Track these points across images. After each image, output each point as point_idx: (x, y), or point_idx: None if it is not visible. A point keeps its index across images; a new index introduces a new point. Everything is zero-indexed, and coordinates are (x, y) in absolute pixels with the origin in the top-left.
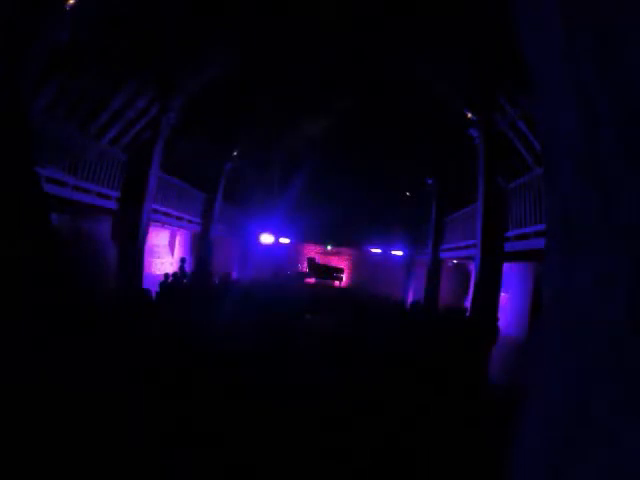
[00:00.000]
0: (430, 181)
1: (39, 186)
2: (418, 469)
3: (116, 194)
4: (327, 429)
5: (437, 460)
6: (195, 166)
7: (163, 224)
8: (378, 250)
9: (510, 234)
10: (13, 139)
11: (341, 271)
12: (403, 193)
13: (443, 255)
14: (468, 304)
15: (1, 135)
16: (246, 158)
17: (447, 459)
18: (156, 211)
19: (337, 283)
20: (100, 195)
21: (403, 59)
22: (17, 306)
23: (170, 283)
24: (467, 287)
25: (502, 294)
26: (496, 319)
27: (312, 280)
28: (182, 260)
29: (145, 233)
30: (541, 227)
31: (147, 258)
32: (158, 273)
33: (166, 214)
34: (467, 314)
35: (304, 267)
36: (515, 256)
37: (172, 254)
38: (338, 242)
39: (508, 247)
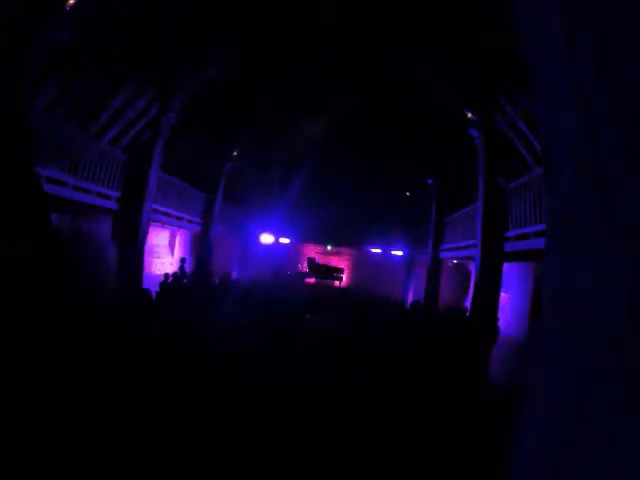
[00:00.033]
0: (430, 181)
1: (39, 186)
2: (418, 469)
3: (116, 194)
4: (327, 429)
5: (437, 460)
6: (195, 166)
7: (163, 224)
8: (378, 250)
9: (510, 234)
10: (13, 139)
11: (341, 271)
12: (403, 193)
13: (443, 255)
14: (468, 304)
15: (1, 135)
16: (246, 158)
17: (447, 459)
18: (156, 211)
19: (337, 283)
20: (100, 195)
21: (403, 59)
22: (17, 306)
23: (170, 283)
24: (467, 287)
25: (502, 294)
26: (496, 319)
27: (312, 280)
28: (182, 260)
29: (145, 233)
30: (541, 227)
31: (147, 258)
32: (158, 273)
33: (166, 214)
34: (467, 314)
35: (304, 267)
36: (515, 256)
37: (172, 254)
38: (338, 242)
39: (508, 247)
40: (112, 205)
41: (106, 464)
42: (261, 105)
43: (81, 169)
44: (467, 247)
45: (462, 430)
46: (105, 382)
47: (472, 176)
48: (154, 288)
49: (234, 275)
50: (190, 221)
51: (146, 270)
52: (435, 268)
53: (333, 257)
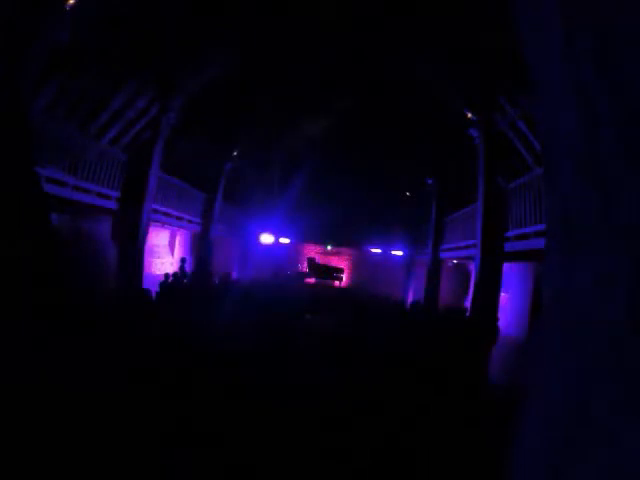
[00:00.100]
0: (430, 181)
1: (39, 186)
2: (418, 469)
3: (116, 194)
4: (327, 429)
5: (437, 460)
6: (195, 166)
7: (163, 224)
8: (378, 250)
9: (510, 234)
10: (13, 139)
11: (341, 271)
12: (403, 193)
13: (443, 255)
14: (468, 304)
15: (1, 135)
16: (246, 158)
17: (447, 459)
18: (156, 211)
19: (337, 283)
20: (100, 195)
21: (403, 59)
22: (17, 306)
23: (170, 283)
24: (467, 287)
25: (502, 294)
26: (496, 319)
27: (312, 280)
28: (182, 260)
29: (145, 233)
30: (541, 227)
31: (147, 258)
32: (158, 273)
33: (166, 214)
34: (467, 314)
35: (304, 267)
36: (515, 256)
37: (172, 254)
38: (338, 242)
39: (508, 247)
40: (112, 205)
41: (106, 464)
42: (261, 105)
43: (81, 169)
44: (467, 247)
45: (462, 430)
46: (105, 382)
47: (472, 176)
48: (154, 288)
49: (234, 275)
50: (190, 221)
51: (146, 270)
52: (435, 268)
53: (333, 257)
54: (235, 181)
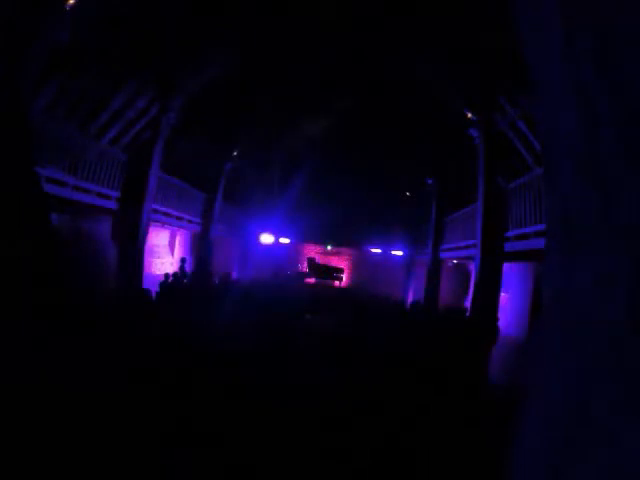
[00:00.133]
0: (430, 181)
1: (39, 186)
2: (418, 469)
3: (116, 194)
4: (327, 429)
5: (437, 460)
6: (195, 166)
7: (163, 224)
8: (378, 250)
9: (510, 234)
10: (13, 139)
11: (341, 271)
12: (403, 193)
13: (443, 255)
14: (468, 304)
15: (1, 135)
16: (246, 158)
17: (447, 459)
18: (156, 211)
19: (337, 283)
20: (100, 195)
21: (403, 59)
22: (17, 306)
23: (170, 283)
24: (467, 287)
25: (502, 294)
26: (496, 319)
27: (312, 280)
28: (182, 260)
29: (145, 233)
30: (541, 227)
31: (147, 258)
32: (158, 273)
33: (166, 214)
34: (467, 314)
35: (304, 267)
36: (515, 256)
37: (172, 254)
38: (338, 242)
39: (508, 247)
40: (112, 205)
41: (106, 464)
42: (261, 105)
43: (81, 169)
44: (467, 247)
45: (462, 430)
46: (105, 382)
47: (472, 176)
48: (154, 288)
49: (234, 275)
50: (190, 221)
51: (146, 270)
52: (435, 268)
53: (333, 257)
54: (235, 181)
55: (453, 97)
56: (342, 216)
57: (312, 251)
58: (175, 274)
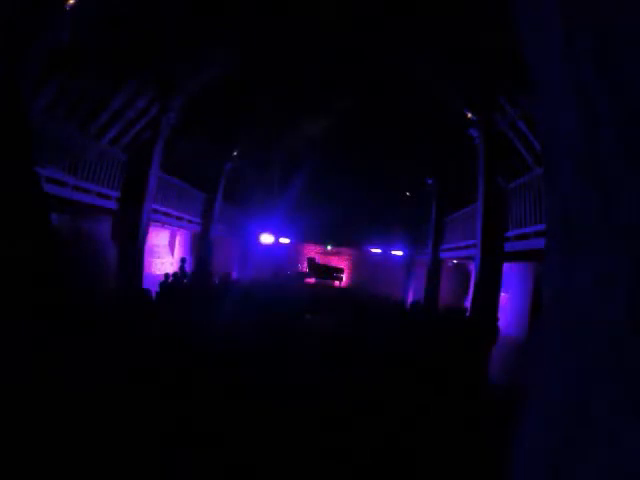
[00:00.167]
0: (430, 181)
1: (39, 186)
2: (418, 469)
3: (116, 194)
4: (327, 429)
5: (437, 460)
6: (195, 166)
7: (163, 224)
8: (378, 250)
9: (510, 234)
10: (13, 139)
11: (341, 271)
12: (403, 193)
13: (443, 255)
14: (468, 304)
15: (1, 135)
16: (246, 158)
17: (447, 459)
18: (156, 211)
19: (337, 283)
20: (100, 195)
21: (403, 59)
22: (17, 306)
23: (170, 283)
24: (467, 287)
25: (502, 294)
26: (496, 319)
27: (312, 280)
28: (182, 260)
29: (145, 233)
30: (541, 227)
31: (147, 258)
32: (158, 273)
33: (166, 214)
34: (467, 314)
35: (304, 267)
36: (515, 256)
37: (172, 254)
38: (338, 242)
39: (508, 247)
40: (112, 205)
41: (106, 464)
42: (261, 105)
43: (81, 169)
44: (467, 247)
45: (462, 430)
46: (105, 382)
47: (472, 176)
48: (154, 288)
49: (234, 275)
50: (190, 221)
51: (146, 270)
52: (435, 268)
53: (333, 257)
54: (235, 181)
55: (453, 97)
56: (342, 216)
57: (312, 251)
58: (175, 274)
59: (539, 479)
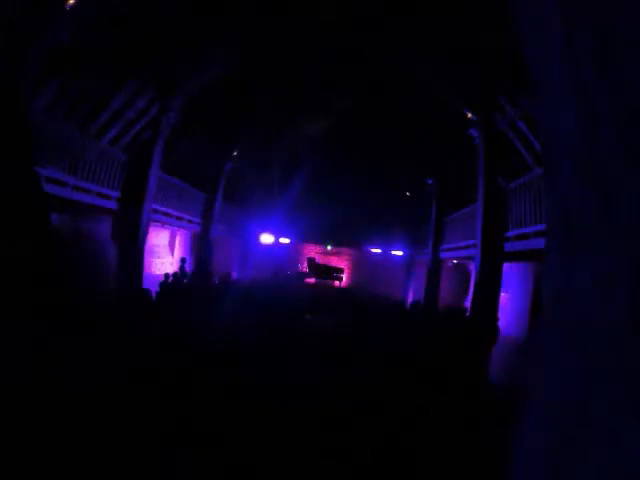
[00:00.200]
0: (430, 181)
1: (39, 186)
2: (418, 469)
3: (116, 194)
4: (327, 429)
5: (437, 460)
6: (195, 166)
7: (163, 224)
8: (378, 250)
9: (510, 234)
10: (13, 139)
11: (341, 271)
12: (403, 193)
13: (443, 255)
14: (468, 304)
15: (1, 135)
16: (246, 158)
17: (447, 459)
18: (156, 211)
19: (337, 283)
20: (100, 195)
21: (403, 59)
22: (17, 306)
23: (170, 283)
24: (467, 287)
25: (502, 294)
26: (496, 319)
27: (312, 280)
28: (182, 260)
29: (145, 233)
30: (541, 227)
31: (147, 258)
32: (158, 273)
33: (166, 214)
34: (467, 314)
35: (304, 267)
36: (515, 256)
37: (172, 254)
38: (338, 242)
39: (508, 247)
40: (112, 205)
41: (106, 464)
42: (261, 105)
43: (81, 169)
44: (467, 247)
45: (462, 430)
46: (105, 382)
47: (472, 176)
48: (154, 288)
49: (234, 275)
50: (190, 221)
51: (146, 270)
52: (435, 268)
53: (333, 257)
54: (235, 181)
55: (453, 97)
56: (342, 216)
57: (312, 251)
58: (175, 274)
59: (539, 479)
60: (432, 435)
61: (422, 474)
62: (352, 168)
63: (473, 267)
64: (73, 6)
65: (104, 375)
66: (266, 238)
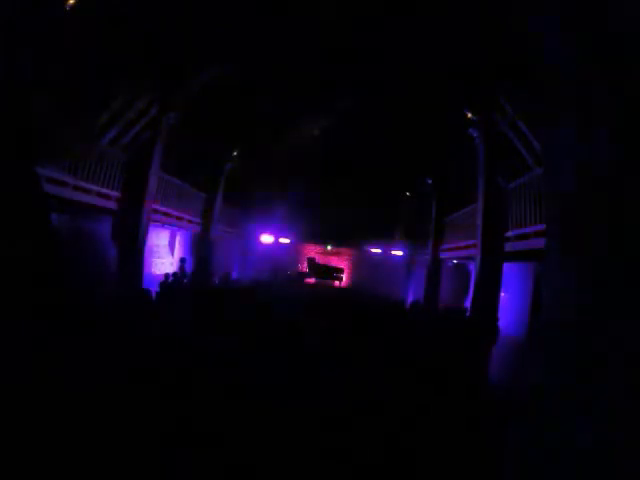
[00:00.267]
0: (430, 181)
1: (39, 186)
2: (418, 469)
3: (116, 194)
4: (327, 429)
5: (437, 460)
6: (195, 166)
7: (163, 224)
8: (378, 250)
9: (510, 234)
10: (13, 139)
11: (341, 271)
12: (403, 193)
13: (443, 255)
14: (468, 304)
15: (1, 135)
16: (246, 158)
17: (447, 459)
18: (156, 211)
19: (337, 283)
20: (100, 195)
21: (403, 59)
22: (17, 306)
23: (170, 283)
24: (467, 287)
25: (502, 294)
26: (496, 319)
27: (312, 280)
28: (182, 260)
29: (145, 233)
30: (541, 227)
31: (147, 258)
32: (158, 273)
33: (166, 214)
34: (467, 314)
35: (304, 267)
36: (515, 256)
37: (172, 254)
38: (338, 242)
39: (508, 247)
40: (112, 205)
41: (106, 464)
42: (261, 105)
43: (81, 169)
44: (467, 247)
45: (462, 430)
46: (105, 382)
47: (472, 176)
48: (154, 288)
49: (234, 275)
50: (190, 221)
51: (146, 270)
52: (435, 268)
53: (333, 257)
54: (235, 181)
55: (453, 97)
56: (342, 216)
57: (312, 251)
58: (175, 274)
59: (539, 479)
60: (432, 435)
61: (422, 474)
62: (352, 168)
63: (473, 267)
64: (73, 6)
65: (104, 375)
66: (266, 238)
